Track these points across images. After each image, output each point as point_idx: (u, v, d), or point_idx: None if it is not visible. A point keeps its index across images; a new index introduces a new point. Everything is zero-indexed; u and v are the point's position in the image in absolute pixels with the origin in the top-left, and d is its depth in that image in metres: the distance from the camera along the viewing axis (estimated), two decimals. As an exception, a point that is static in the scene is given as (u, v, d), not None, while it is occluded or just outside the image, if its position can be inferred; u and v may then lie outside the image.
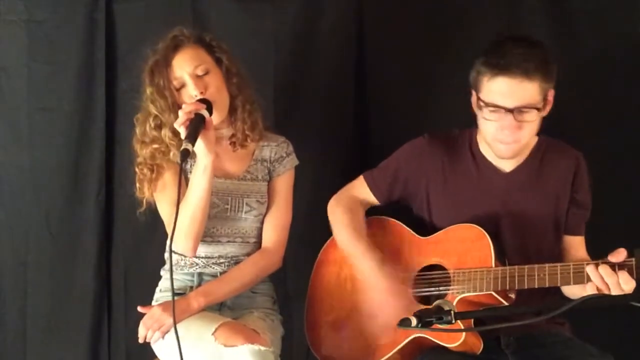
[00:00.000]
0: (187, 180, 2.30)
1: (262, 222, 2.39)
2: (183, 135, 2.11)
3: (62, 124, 2.73)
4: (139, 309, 2.23)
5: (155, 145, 2.29)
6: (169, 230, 2.31)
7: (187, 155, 2.06)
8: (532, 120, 2.08)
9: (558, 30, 2.68)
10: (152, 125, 2.28)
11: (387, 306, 2.14)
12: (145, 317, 2.23)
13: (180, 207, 2.21)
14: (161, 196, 2.31)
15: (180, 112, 2.14)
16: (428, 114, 2.72)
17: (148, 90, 2.27)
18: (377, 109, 2.77)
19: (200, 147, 2.14)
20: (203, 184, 2.19)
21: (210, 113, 2.18)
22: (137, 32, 2.70)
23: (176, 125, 2.14)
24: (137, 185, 2.32)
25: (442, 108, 2.69)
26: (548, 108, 2.13)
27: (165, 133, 2.27)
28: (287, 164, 2.41)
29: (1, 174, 2.76)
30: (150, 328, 2.21)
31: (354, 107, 2.77)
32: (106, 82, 2.70)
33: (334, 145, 2.77)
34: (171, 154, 2.28)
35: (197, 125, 2.12)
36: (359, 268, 2.24)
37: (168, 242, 2.40)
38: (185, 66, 2.25)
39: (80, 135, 2.72)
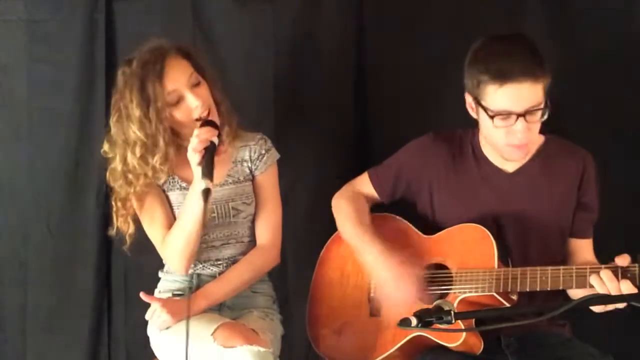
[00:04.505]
0: (168, 200, 2.27)
1: (253, 222, 2.37)
2: (196, 162, 2.06)
3: (62, 124, 2.72)
4: (142, 295, 2.21)
5: (144, 180, 2.18)
6: (159, 250, 2.29)
7: (209, 194, 1.95)
8: (542, 120, 2.06)
9: (558, 30, 2.68)
10: (138, 154, 2.15)
11: (398, 291, 2.11)
12: (149, 310, 2.22)
13: (174, 229, 2.21)
14: (148, 219, 2.27)
15: (193, 138, 2.07)
16: (428, 113, 2.72)
17: (136, 113, 2.12)
18: (377, 109, 2.77)
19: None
20: (199, 208, 2.08)
21: (217, 128, 2.13)
22: (137, 32, 2.69)
23: (191, 151, 2.06)
24: (119, 220, 2.24)
25: (442, 107, 2.69)
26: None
27: (157, 160, 2.16)
28: (267, 160, 2.36)
29: (1, 174, 2.76)
30: (150, 320, 2.22)
31: (354, 107, 2.77)
32: (106, 82, 2.69)
33: (334, 145, 2.77)
34: (161, 180, 2.21)
35: (212, 157, 2.05)
36: (364, 258, 2.22)
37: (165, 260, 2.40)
38: (180, 78, 2.15)
39: (80, 135, 2.72)
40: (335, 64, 2.74)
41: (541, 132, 2.22)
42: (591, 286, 1.93)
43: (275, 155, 2.39)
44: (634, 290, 1.88)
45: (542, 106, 2.04)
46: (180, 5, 2.71)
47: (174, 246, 2.20)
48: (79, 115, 2.72)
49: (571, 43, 2.67)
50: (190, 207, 2.15)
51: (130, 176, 2.19)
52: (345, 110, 2.77)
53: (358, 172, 2.45)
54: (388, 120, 2.75)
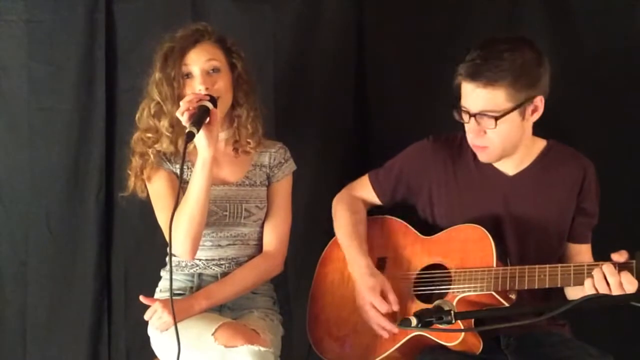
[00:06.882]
0: (184, 190, 2.27)
1: (262, 227, 2.39)
2: (184, 122, 2.10)
3: (62, 124, 2.72)
4: (142, 299, 2.21)
5: (148, 134, 2.28)
6: (165, 233, 2.29)
7: (192, 137, 2.05)
8: (491, 128, 2.07)
9: (558, 30, 2.68)
10: (152, 111, 2.27)
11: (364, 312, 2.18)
12: (148, 310, 2.22)
13: (179, 208, 2.21)
14: (158, 204, 2.30)
15: (182, 102, 2.12)
16: (428, 114, 2.72)
17: (157, 76, 2.26)
18: (377, 109, 2.77)
19: (201, 139, 2.12)
20: (201, 181, 2.17)
21: (215, 106, 2.16)
22: (137, 32, 2.70)
23: (178, 114, 2.12)
24: (137, 183, 2.31)
25: (442, 108, 2.68)
26: (535, 115, 2.12)
27: (164, 123, 2.25)
28: (285, 169, 2.41)
29: (1, 174, 2.75)
30: (150, 322, 2.22)
31: (353, 107, 2.77)
32: (106, 82, 2.69)
33: (334, 145, 2.77)
34: (163, 144, 2.26)
35: (202, 114, 2.11)
36: (350, 268, 2.28)
37: (169, 249, 2.40)
38: (199, 59, 2.24)
39: (80, 135, 2.72)
40: (335, 64, 2.74)
41: (543, 136, 2.23)
42: (589, 277, 1.93)
43: (292, 166, 2.43)
44: (635, 283, 1.88)
45: (496, 114, 2.05)
46: (180, 5, 2.72)
47: (178, 226, 2.18)
48: (79, 115, 2.71)
49: (571, 43, 2.67)
50: (192, 182, 2.18)
51: (140, 125, 2.29)
52: (345, 110, 2.77)
53: (358, 172, 2.45)
54: (388, 120, 2.75)
